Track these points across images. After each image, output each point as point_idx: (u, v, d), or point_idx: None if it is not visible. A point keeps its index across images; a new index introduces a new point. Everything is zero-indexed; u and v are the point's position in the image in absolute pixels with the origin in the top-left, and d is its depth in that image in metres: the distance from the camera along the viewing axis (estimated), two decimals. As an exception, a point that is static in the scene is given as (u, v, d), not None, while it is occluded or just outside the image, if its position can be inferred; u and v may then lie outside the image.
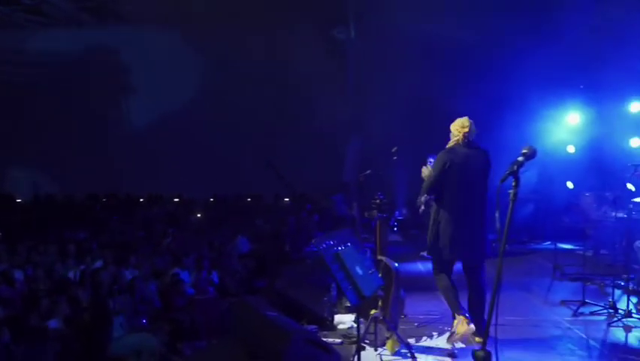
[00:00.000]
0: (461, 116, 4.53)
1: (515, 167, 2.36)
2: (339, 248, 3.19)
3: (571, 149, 11.62)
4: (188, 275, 7.45)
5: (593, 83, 10.95)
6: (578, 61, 11.31)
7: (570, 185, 11.33)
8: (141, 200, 16.27)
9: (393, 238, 10.36)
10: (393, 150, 5.84)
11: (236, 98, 15.41)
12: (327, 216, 11.72)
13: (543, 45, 11.74)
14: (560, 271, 7.18)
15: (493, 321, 2.31)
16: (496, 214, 2.37)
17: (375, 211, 4.52)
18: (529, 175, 11.29)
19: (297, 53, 14.11)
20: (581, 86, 11.36)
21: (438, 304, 5.88)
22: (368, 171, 6.83)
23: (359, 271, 3.21)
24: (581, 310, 5.48)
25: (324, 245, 3.15)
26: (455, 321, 4.32)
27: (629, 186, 6.01)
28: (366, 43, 12.92)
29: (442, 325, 5.05)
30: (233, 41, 15.04)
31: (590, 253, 8.35)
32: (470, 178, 4.32)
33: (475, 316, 4.24)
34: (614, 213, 6.24)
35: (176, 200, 16.12)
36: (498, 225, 2.37)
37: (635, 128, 9.97)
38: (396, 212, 12.08)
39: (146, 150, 15.87)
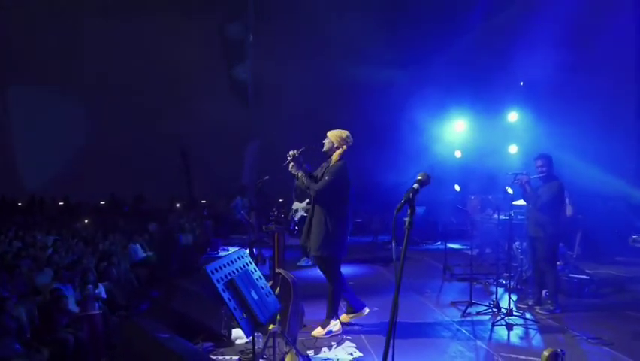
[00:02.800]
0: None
1: (410, 194, 2.36)
2: (233, 274, 3.03)
3: (458, 154, 12.41)
4: (72, 290, 6.84)
5: (478, 94, 11.78)
6: (465, 74, 12.10)
7: (457, 188, 12.09)
8: (19, 204, 14.78)
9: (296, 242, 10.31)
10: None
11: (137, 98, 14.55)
12: (224, 221, 11.41)
13: (435, 56, 12.41)
14: (449, 272, 7.58)
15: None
16: (393, 244, 2.36)
17: (272, 225, 4.42)
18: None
19: (192, 54, 13.62)
20: (467, 97, 12.17)
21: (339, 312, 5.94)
22: (266, 177, 6.73)
23: (254, 295, 3.07)
24: (469, 310, 5.80)
25: (215, 269, 2.96)
26: (336, 321, 5.01)
27: (508, 189, 6.45)
28: (265, 47, 12.79)
29: (341, 334, 5.08)
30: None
31: (475, 253, 8.95)
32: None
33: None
34: (495, 215, 6.67)
35: (60, 203, 14.85)
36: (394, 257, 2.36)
37: (512, 136, 10.86)
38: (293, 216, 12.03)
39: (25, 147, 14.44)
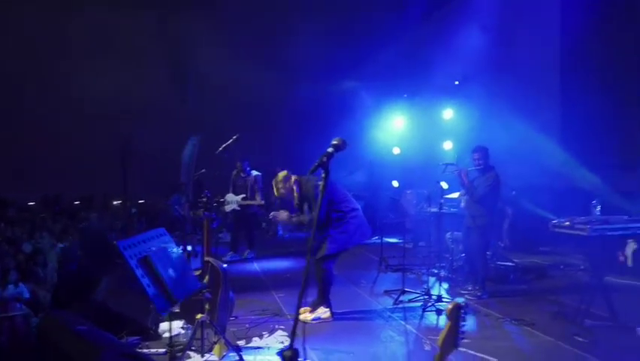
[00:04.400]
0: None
1: (325, 158, 2.36)
2: (148, 251, 2.95)
3: (396, 150, 12.67)
4: (-9, 291, 6.42)
5: (415, 92, 12.08)
6: (403, 71, 12.38)
7: (395, 183, 12.34)
8: None
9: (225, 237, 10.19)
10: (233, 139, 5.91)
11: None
12: (161, 220, 11.10)
13: (373, 55, 12.61)
14: (384, 264, 7.72)
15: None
16: (305, 206, 2.36)
17: (201, 210, 4.33)
18: (359, 175, 12.03)
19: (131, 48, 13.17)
20: (405, 95, 12.45)
21: (272, 302, 5.92)
22: (202, 170, 6.63)
23: (172, 273, 3.00)
24: (401, 298, 5.93)
25: (129, 246, 2.87)
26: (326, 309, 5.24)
27: (442, 183, 6.65)
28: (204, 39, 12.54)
29: (273, 323, 5.06)
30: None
31: (410, 246, 9.16)
32: None
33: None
34: (428, 208, 6.86)
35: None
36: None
37: (447, 132, 11.21)
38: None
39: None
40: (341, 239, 5.25)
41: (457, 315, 2.01)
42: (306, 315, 5.13)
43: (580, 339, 4.58)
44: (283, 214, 5.34)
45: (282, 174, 5.42)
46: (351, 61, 12.64)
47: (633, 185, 4.60)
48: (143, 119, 13.11)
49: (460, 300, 1.93)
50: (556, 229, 5.27)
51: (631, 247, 6.94)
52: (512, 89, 10.07)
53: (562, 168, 8.85)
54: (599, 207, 5.28)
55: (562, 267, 7.68)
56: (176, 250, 3.30)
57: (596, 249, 5.14)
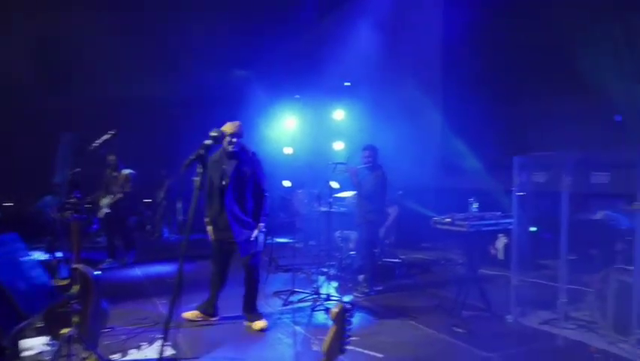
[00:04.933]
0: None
1: (202, 150, 2.18)
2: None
3: (288, 150, 12.63)
4: None
5: (307, 92, 12.12)
6: (295, 71, 12.36)
7: (287, 183, 12.30)
8: None
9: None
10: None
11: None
12: (31, 224, 10.04)
13: (264, 55, 12.46)
14: (274, 264, 7.61)
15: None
16: (179, 205, 2.16)
17: (69, 212, 3.88)
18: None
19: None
20: (297, 96, 12.45)
21: (153, 310, 5.53)
22: (77, 169, 6.02)
23: (21, 285, 2.63)
24: (291, 298, 5.85)
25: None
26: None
27: (332, 183, 6.69)
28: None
29: (153, 333, 4.71)
30: None
31: (300, 245, 9.15)
32: None
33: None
34: (319, 208, 6.88)
35: None
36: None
37: (338, 133, 11.40)
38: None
39: None
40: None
41: (342, 318, 1.92)
42: (259, 323, 4.94)
43: (458, 330, 4.82)
44: None
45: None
46: (243, 59, 12.38)
47: (508, 181, 4.92)
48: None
49: (346, 301, 1.84)
50: (438, 226, 5.51)
51: (502, 241, 7.50)
52: (400, 90, 10.47)
53: (443, 166, 9.34)
54: (476, 205, 5.60)
55: (443, 262, 8.12)
56: (28, 259, 2.90)
57: (473, 244, 5.45)
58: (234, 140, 4.83)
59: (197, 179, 2.10)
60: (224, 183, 4.89)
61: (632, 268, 4.14)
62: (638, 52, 6.07)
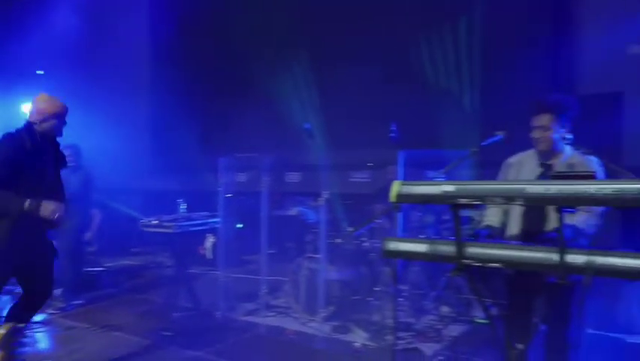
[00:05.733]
0: None
1: None
2: None
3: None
4: None
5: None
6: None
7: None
8: None
9: None
10: None
11: None
12: None
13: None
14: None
15: None
16: None
17: None
18: None
19: None
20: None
21: None
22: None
23: None
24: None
25: None
26: None
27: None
28: None
29: None
30: None
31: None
32: None
33: None
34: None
35: None
36: None
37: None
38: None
39: None
40: None
41: (8, 342, 1.62)
42: None
43: (167, 333, 4.73)
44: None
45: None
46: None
47: (214, 182, 5.07)
48: None
49: (6, 327, 1.56)
50: (146, 228, 5.30)
51: (210, 240, 7.72)
52: (106, 85, 9.72)
53: (152, 168, 9.08)
54: (184, 205, 5.59)
55: (153, 266, 7.89)
56: None
57: (181, 244, 5.44)
58: None
59: None
60: None
61: (318, 256, 4.77)
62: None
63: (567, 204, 2.16)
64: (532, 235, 2.76)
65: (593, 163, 2.84)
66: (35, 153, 3.49)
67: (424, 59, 6.39)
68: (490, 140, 3.14)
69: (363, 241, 5.29)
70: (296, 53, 7.20)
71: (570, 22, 5.97)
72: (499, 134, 2.82)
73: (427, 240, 2.63)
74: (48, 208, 3.38)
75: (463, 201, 2.38)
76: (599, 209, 2.75)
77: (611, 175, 2.80)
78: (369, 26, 6.73)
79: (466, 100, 6.05)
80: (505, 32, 5.94)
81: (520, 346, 2.75)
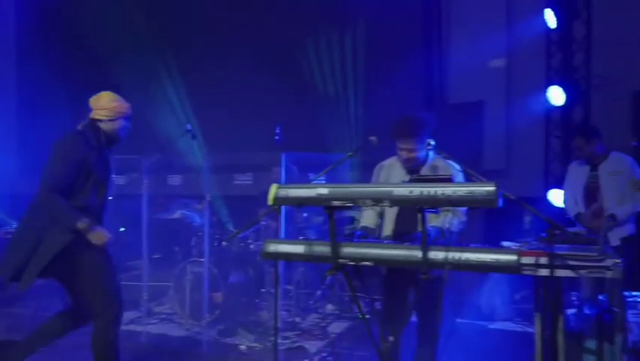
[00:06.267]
0: None
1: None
2: None
3: None
4: None
5: None
6: None
7: None
8: None
9: None
10: None
11: None
12: None
13: None
14: None
15: None
16: None
17: None
18: None
19: None
20: None
21: None
22: None
23: None
24: None
25: None
26: None
27: None
28: None
29: None
30: None
31: None
32: None
33: None
34: None
35: None
36: None
37: None
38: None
39: None
40: None
41: None
42: None
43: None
44: None
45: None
46: None
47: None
48: None
49: None
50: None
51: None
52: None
53: (19, 170, 8.31)
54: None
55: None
56: None
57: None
58: None
59: None
60: None
61: (203, 259, 4.69)
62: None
63: (428, 205, 2.35)
64: (403, 235, 2.96)
65: (453, 167, 3.11)
66: (100, 154, 3.20)
67: (309, 66, 6.57)
68: (363, 145, 3.31)
69: (250, 243, 5.30)
70: (176, 52, 7.07)
71: (440, 38, 6.49)
72: (372, 140, 2.98)
73: (305, 241, 2.73)
74: (99, 236, 3.11)
75: (337, 203, 2.49)
76: (463, 209, 3.03)
77: (467, 178, 3.08)
78: (255, 30, 6.76)
79: (347, 106, 6.32)
80: (384, 45, 6.30)
81: (391, 338, 2.93)
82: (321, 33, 6.58)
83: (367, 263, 2.56)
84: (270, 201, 2.62)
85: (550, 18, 5.55)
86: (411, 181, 2.74)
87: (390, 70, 5.95)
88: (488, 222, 5.13)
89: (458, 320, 5.30)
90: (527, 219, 5.10)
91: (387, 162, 3.31)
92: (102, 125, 3.23)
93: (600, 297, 3.71)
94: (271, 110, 5.80)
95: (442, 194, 2.28)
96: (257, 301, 5.13)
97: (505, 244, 3.20)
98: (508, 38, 6.17)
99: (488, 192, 2.22)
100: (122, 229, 7.08)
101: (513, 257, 2.33)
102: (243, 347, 4.48)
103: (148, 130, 6.70)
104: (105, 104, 3.23)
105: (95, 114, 3.23)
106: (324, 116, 6.16)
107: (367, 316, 2.83)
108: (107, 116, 3.22)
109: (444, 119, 5.55)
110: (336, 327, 5.01)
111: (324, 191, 2.52)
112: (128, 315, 5.25)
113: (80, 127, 3.22)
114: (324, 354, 4.35)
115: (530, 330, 4.44)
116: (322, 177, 3.31)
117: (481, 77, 6.10)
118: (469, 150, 5.06)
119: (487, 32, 6.08)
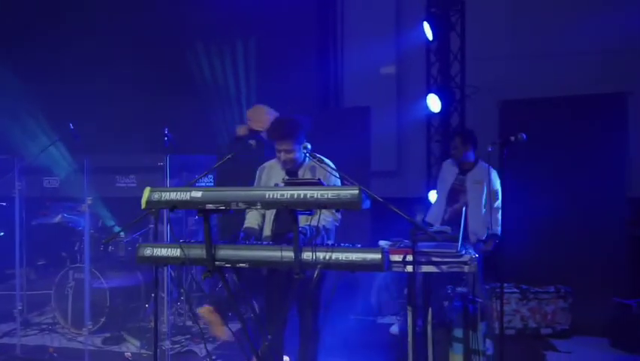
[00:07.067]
0: None
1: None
2: None
3: None
4: None
5: None
6: None
7: None
8: None
9: None
10: None
11: None
12: None
13: None
14: None
15: None
16: None
17: None
18: None
19: None
20: None
21: None
22: None
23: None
24: None
25: None
26: None
27: None
28: None
29: None
30: None
31: None
32: None
33: None
34: None
35: None
36: None
37: None
38: None
39: None
40: None
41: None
42: None
43: None
44: None
45: None
46: None
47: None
48: None
49: None
50: None
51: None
52: None
53: None
54: None
55: None
56: None
57: None
58: None
59: None
60: None
61: (84, 265, 4.46)
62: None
63: (299, 207, 2.43)
64: (281, 235, 3.02)
65: (329, 167, 3.23)
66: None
67: (199, 68, 6.54)
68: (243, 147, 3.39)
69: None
70: (58, 50, 6.74)
71: (335, 46, 6.72)
72: (252, 143, 3.03)
73: (181, 244, 2.69)
74: None
75: (210, 206, 2.49)
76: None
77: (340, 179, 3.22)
78: (145, 32, 6.61)
79: (239, 109, 6.33)
80: (280, 50, 6.41)
81: (269, 337, 2.99)
82: (214, 36, 6.56)
83: (243, 265, 2.59)
84: (142, 205, 2.57)
85: (427, 30, 5.92)
86: (286, 185, 2.82)
87: (284, 74, 6.04)
88: (376, 222, 5.36)
89: (351, 317, 5.49)
90: (419, 217, 5.39)
91: (268, 164, 3.39)
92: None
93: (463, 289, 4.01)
94: (160, 112, 5.67)
95: (312, 197, 2.37)
96: (147, 306, 4.98)
97: (381, 242, 3.39)
98: (397, 47, 6.51)
99: (352, 195, 2.34)
100: (1, 234, 6.56)
101: (378, 256, 2.44)
102: (128, 354, 4.33)
103: (24, 130, 6.31)
104: (263, 117, 3.67)
105: (254, 125, 3.68)
106: (214, 119, 6.13)
107: (245, 316, 2.86)
108: (263, 128, 3.60)
109: (337, 123, 5.76)
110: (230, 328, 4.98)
111: (197, 194, 2.51)
112: (3, 328, 4.90)
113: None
114: (214, 357, 4.32)
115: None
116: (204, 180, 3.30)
117: (373, 82, 6.39)
118: (360, 152, 5.27)
119: (379, 41, 6.37)
